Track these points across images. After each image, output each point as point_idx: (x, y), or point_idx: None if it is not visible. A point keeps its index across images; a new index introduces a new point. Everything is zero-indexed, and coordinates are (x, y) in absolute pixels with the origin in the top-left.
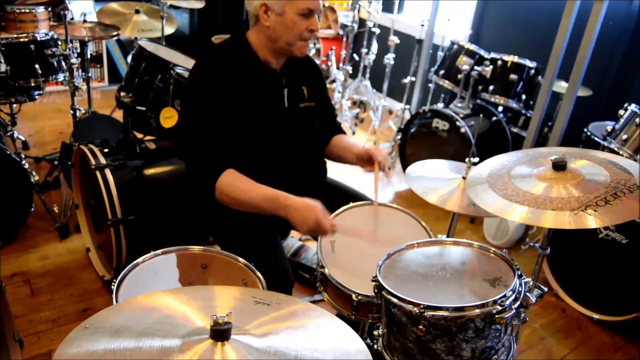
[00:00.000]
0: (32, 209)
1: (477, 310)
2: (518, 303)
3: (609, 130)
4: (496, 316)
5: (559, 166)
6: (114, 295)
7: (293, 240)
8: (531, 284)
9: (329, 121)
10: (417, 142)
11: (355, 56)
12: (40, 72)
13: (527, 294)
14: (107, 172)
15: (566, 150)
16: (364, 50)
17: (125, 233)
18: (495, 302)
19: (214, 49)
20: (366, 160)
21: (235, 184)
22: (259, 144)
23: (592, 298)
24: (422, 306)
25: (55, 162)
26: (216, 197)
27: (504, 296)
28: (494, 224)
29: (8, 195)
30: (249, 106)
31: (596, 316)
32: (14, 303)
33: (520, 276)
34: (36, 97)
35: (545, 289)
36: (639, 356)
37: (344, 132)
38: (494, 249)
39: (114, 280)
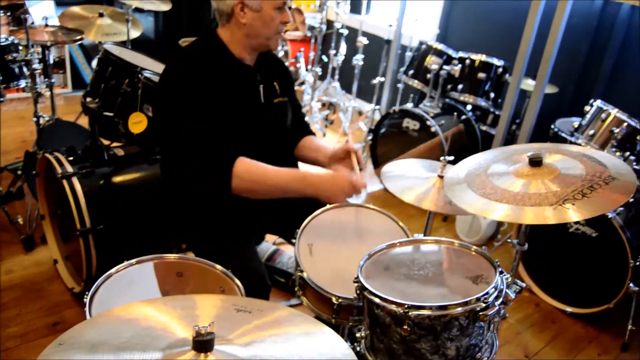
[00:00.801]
0: None
1: (460, 309)
2: (500, 300)
3: (576, 126)
4: (480, 313)
5: (535, 162)
6: (87, 308)
7: (267, 245)
8: (510, 280)
9: (298, 121)
10: (388, 142)
11: (324, 58)
12: (1, 78)
13: (507, 290)
14: (75, 180)
15: (539, 146)
16: (333, 52)
17: (95, 243)
18: (478, 299)
19: (184, 50)
20: (341, 159)
21: (255, 170)
22: (239, 140)
23: (564, 291)
24: (406, 306)
25: (19, 172)
26: (234, 189)
27: (487, 293)
28: (466, 222)
29: None
30: (227, 103)
31: (569, 309)
32: None
33: (501, 273)
34: None
35: (524, 285)
36: (612, 345)
37: (313, 134)
38: (475, 246)
39: (87, 292)
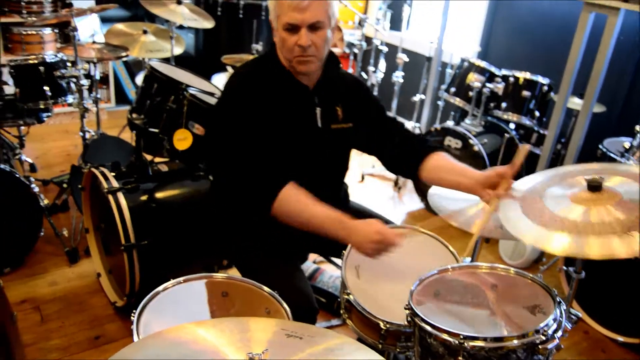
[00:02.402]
0: (42, 233)
1: (518, 341)
2: (560, 332)
3: (627, 147)
4: (539, 346)
5: (594, 187)
6: (134, 327)
7: (308, 264)
8: (565, 310)
9: (404, 139)
10: None
11: (363, 74)
12: (49, 94)
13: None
14: (120, 195)
15: (599, 167)
16: (372, 69)
17: (139, 258)
18: (537, 331)
19: (245, 66)
20: (493, 184)
21: (297, 199)
22: (290, 163)
23: (616, 319)
24: (461, 336)
25: (64, 185)
26: (274, 212)
27: (547, 325)
28: (510, 244)
29: (17, 219)
30: (279, 124)
31: (621, 338)
32: (23, 330)
33: (559, 304)
34: (44, 119)
35: (580, 315)
36: None
37: (439, 149)
38: (531, 275)
39: (134, 310)
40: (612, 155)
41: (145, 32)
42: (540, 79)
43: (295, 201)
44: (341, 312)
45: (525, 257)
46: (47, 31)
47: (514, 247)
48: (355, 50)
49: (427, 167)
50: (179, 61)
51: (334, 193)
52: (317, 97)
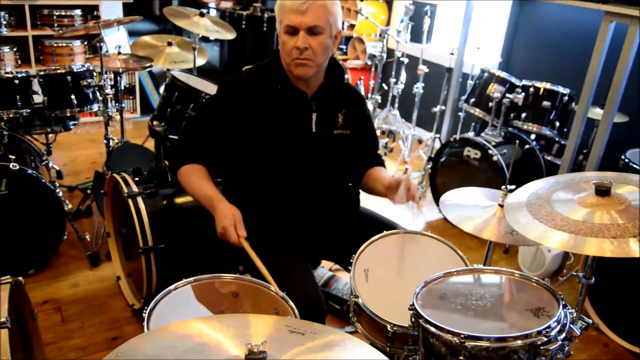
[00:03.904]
0: (65, 237)
1: (520, 342)
2: (563, 335)
3: None
4: (541, 347)
5: (602, 191)
6: (145, 323)
7: (323, 271)
8: (575, 315)
9: (369, 152)
10: (448, 171)
11: (384, 86)
12: (75, 102)
13: (571, 326)
14: (139, 200)
15: (613, 175)
16: (393, 80)
17: (156, 261)
18: (539, 332)
19: (249, 69)
20: (394, 189)
21: (194, 175)
22: (282, 165)
23: (636, 332)
24: (462, 336)
25: (88, 191)
26: (178, 179)
27: (549, 327)
28: (529, 255)
29: (42, 223)
30: (267, 124)
31: None
32: (44, 330)
33: (565, 306)
34: (71, 127)
35: (590, 321)
36: None
37: (383, 165)
38: (536, 277)
39: (145, 307)
40: (634, 166)
41: (170, 44)
42: (561, 89)
43: (191, 174)
44: (350, 315)
45: (545, 268)
46: (77, 43)
47: (533, 257)
48: (377, 62)
49: (364, 179)
50: (204, 72)
51: (336, 195)
52: (315, 103)
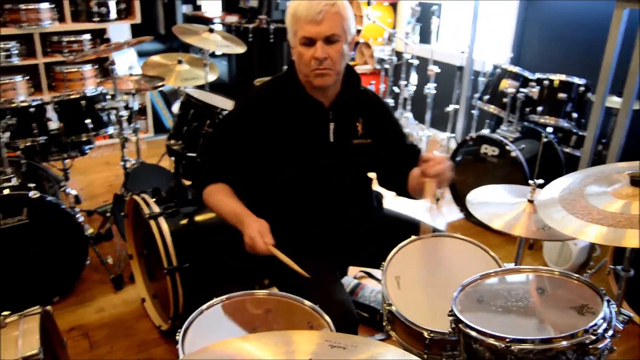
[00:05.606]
0: (87, 262)
1: (566, 342)
2: (610, 332)
3: None
4: (590, 347)
5: (638, 181)
6: (179, 346)
7: (349, 279)
8: (616, 309)
9: (408, 157)
10: (466, 169)
11: (395, 89)
12: (91, 126)
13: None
14: (161, 220)
15: None
16: (403, 83)
17: (182, 281)
18: (586, 331)
19: (264, 84)
20: (427, 162)
21: (219, 193)
22: (302, 177)
23: None
24: (507, 340)
25: (108, 214)
26: (204, 200)
27: (595, 324)
28: (555, 249)
29: (64, 249)
30: (286, 137)
31: None
32: (74, 357)
33: (609, 302)
34: (87, 151)
35: (631, 314)
36: None
37: (419, 153)
38: (577, 275)
39: (178, 330)
40: None
41: (180, 62)
42: (577, 80)
43: (216, 193)
44: (384, 324)
45: (572, 262)
46: (87, 67)
47: (559, 252)
48: (386, 66)
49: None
50: (214, 88)
51: (361, 203)
52: (333, 112)
